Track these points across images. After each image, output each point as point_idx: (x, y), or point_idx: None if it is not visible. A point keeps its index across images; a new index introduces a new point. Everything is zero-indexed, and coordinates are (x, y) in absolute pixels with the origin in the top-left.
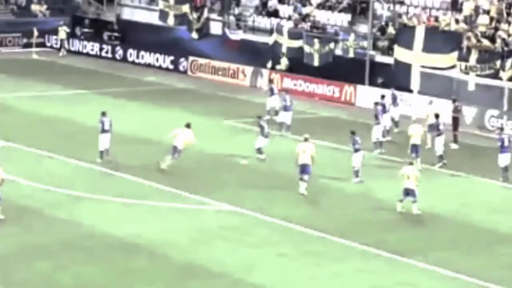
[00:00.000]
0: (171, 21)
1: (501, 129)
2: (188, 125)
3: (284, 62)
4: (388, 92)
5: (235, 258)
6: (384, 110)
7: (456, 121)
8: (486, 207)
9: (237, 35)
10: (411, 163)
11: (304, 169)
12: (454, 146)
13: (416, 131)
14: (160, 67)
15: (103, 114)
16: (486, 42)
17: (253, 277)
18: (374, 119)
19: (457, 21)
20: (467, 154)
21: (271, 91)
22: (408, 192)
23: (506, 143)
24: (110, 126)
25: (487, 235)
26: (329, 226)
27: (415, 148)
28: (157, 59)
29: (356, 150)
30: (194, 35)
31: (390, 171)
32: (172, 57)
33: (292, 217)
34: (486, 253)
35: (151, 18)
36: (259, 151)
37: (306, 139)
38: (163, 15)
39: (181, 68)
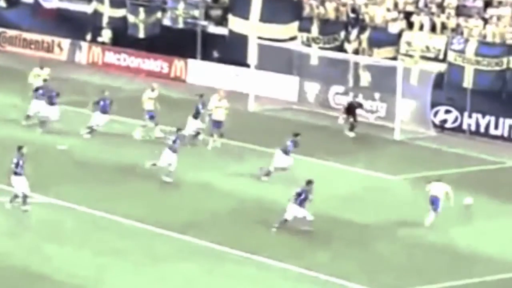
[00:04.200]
0: None
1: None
2: None
3: (106, 34)
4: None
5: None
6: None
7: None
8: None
9: (51, 3)
10: (438, 180)
11: (217, 125)
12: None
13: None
14: None
15: (18, 149)
16: (329, 10)
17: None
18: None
19: None
20: (307, 135)
21: None
22: (433, 201)
23: None
24: (19, 167)
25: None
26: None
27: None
28: None
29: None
30: (1, 2)
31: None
32: None
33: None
34: None
35: None
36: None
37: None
38: None
39: None
